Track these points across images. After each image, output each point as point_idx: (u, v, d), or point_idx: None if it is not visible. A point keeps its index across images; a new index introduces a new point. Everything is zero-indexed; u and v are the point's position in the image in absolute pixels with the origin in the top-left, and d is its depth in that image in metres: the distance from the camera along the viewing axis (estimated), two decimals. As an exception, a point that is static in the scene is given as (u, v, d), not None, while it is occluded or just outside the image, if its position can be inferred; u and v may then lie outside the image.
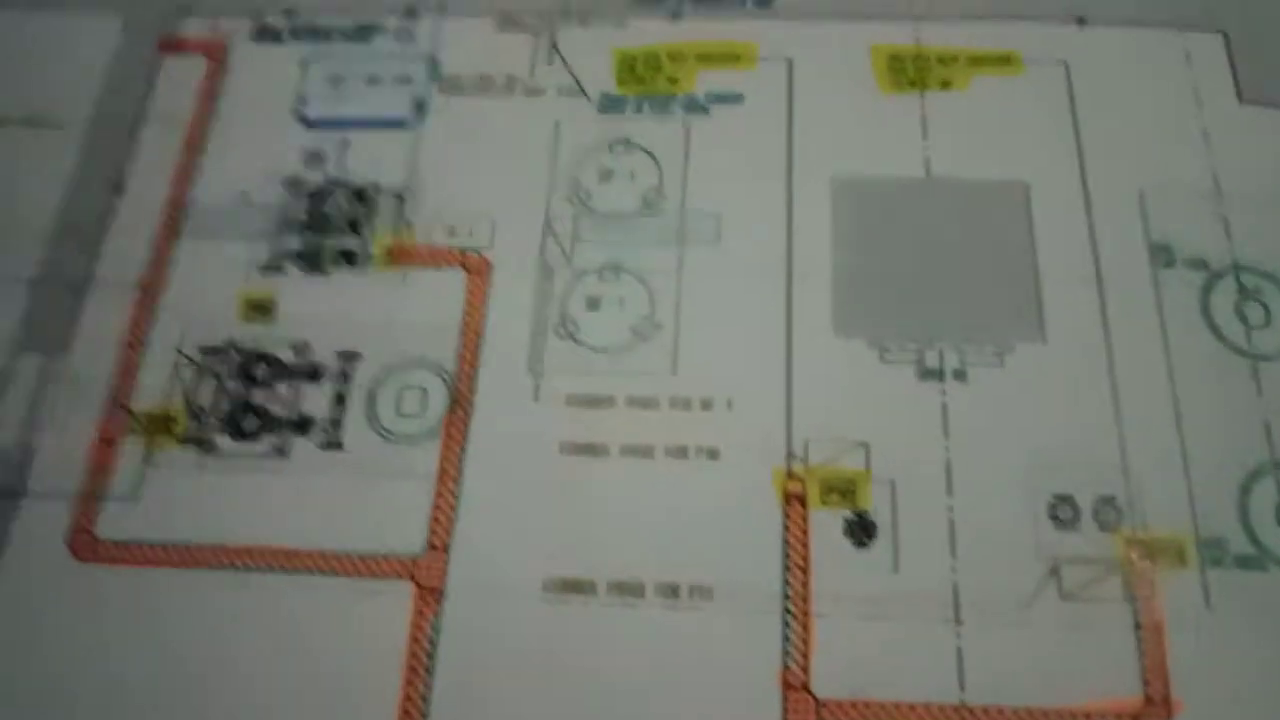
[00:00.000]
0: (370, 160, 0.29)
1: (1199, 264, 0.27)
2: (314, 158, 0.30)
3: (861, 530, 0.24)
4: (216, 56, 0.31)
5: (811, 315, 0.26)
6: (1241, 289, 0.26)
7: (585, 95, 0.30)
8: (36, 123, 0.31)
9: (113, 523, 0.26)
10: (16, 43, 0.32)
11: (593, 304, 0.27)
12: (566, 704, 0.23)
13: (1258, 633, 0.23)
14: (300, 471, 0.26)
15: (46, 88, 0.31)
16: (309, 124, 0.30)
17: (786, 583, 0.24)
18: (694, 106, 0.29)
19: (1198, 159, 0.28)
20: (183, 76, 0.31)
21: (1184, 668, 0.23)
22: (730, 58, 0.30)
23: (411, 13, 0.31)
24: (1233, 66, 0.29)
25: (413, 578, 0.24)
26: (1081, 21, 0.30)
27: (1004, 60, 0.29)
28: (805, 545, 0.24)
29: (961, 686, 0.23)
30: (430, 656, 0.23)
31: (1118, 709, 0.22)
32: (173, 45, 0.32)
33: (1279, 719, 0.22)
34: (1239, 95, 0.29)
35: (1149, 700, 0.22)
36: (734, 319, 0.26)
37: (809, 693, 0.23)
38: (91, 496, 0.26)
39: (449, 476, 0.25)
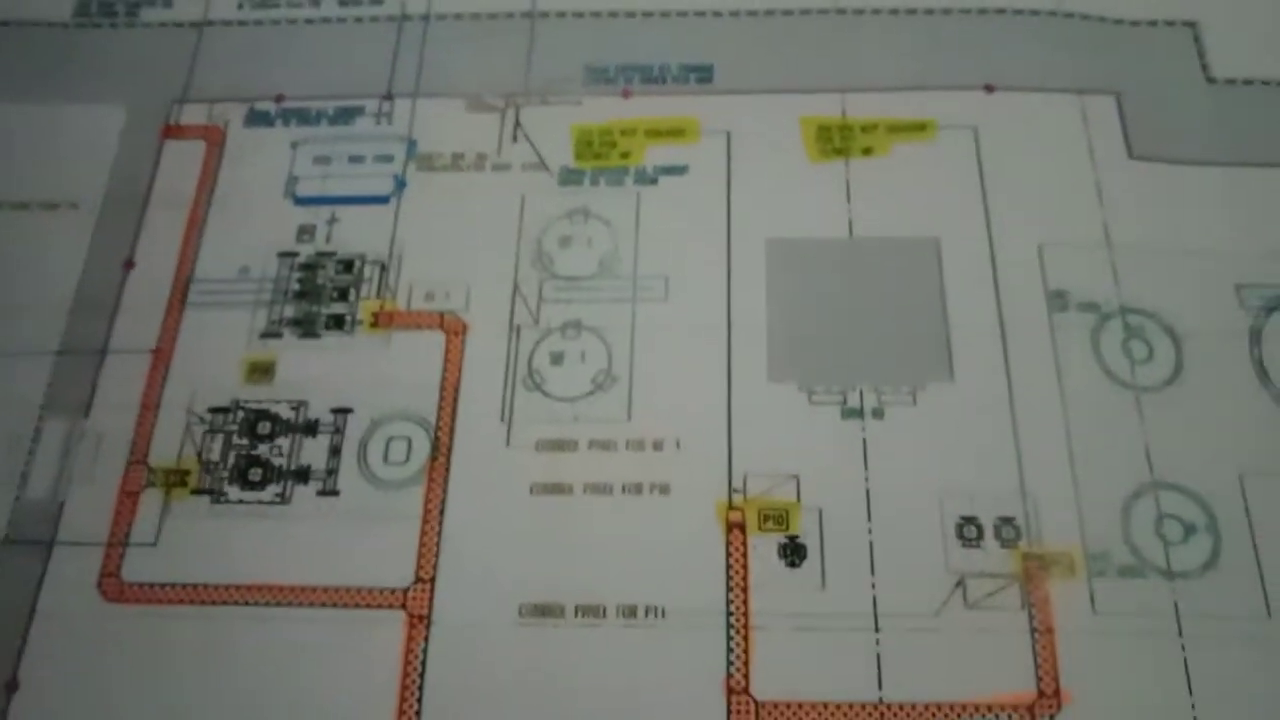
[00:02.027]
0: (356, 233, 0.31)
1: (1090, 307, 0.29)
2: (305, 232, 0.32)
3: (793, 552, 0.26)
4: (214, 140, 0.33)
5: (749, 364, 0.29)
6: (1128, 328, 0.29)
7: (547, 169, 0.32)
8: (54, 205, 0.33)
9: (136, 567, 0.27)
10: (32, 132, 0.34)
11: (557, 359, 0.29)
12: (540, 712, 0.25)
13: (1137, 632, 0.25)
14: (301, 516, 0.28)
15: (62, 173, 0.33)
16: (299, 201, 0.32)
17: (729, 600, 0.26)
18: (643, 178, 0.32)
19: (1091, 211, 0.30)
20: (184, 159, 0.33)
21: (1072, 665, 0.25)
22: (675, 132, 0.32)
23: (389, 97, 0.34)
24: (1124, 125, 0.32)
25: (404, 607, 0.26)
26: (989, 89, 0.32)
27: (920, 127, 0.32)
28: (745, 567, 0.26)
29: (880, 686, 0.25)
30: (421, 675, 0.26)
31: (1014, 701, 0.25)
32: (174, 131, 0.33)
33: (1154, 706, 0.25)
34: (1129, 151, 0.32)
35: (1041, 693, 0.25)
36: (681, 369, 0.29)
37: (750, 695, 0.25)
38: (117, 544, 0.28)
39: (433, 516, 0.27)
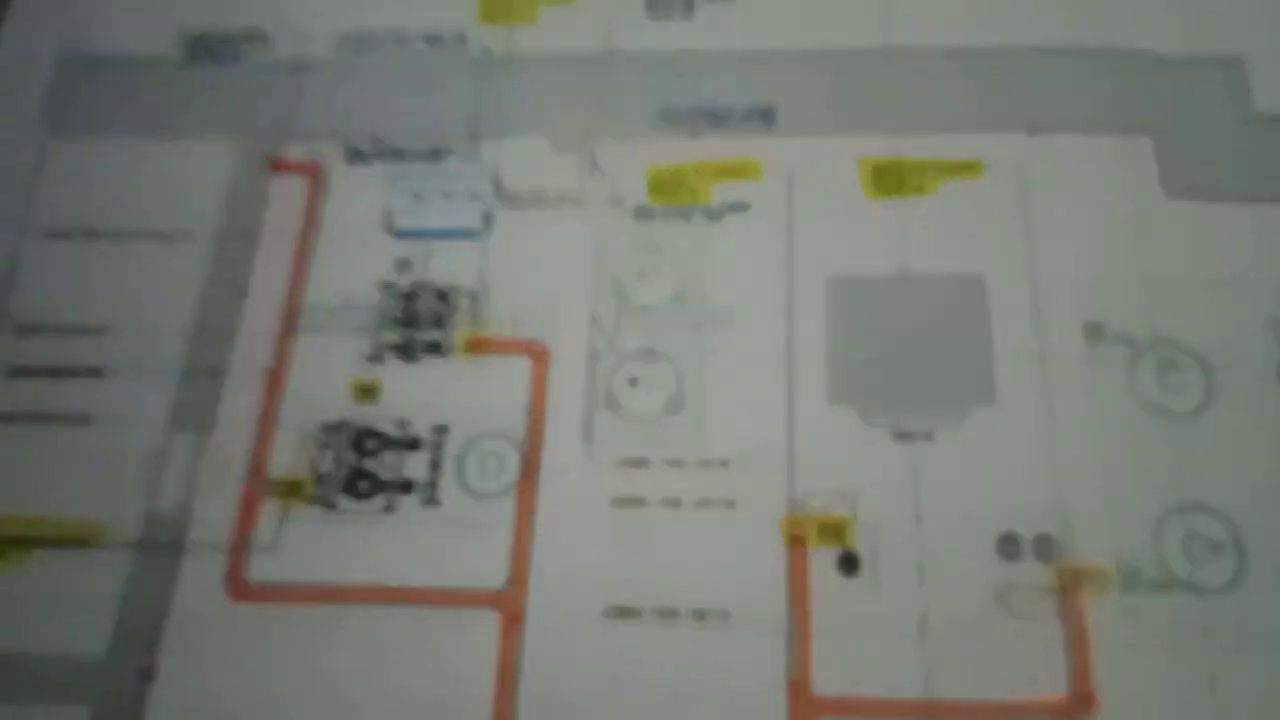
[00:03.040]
0: (449, 265, 0.34)
1: (1126, 339, 0.31)
2: (403, 264, 0.34)
3: (849, 564, 0.29)
4: (316, 176, 0.36)
5: (810, 389, 0.31)
6: (1161, 360, 0.31)
7: (622, 206, 0.34)
8: (169, 237, 0.35)
9: (258, 569, 0.30)
10: (146, 166, 0.36)
11: (633, 383, 0.32)
12: (620, 704, 0.28)
13: (1163, 642, 0.27)
14: (406, 524, 0.30)
15: (175, 205, 0.35)
16: (397, 235, 0.35)
17: (790, 605, 0.29)
18: (710, 215, 0.34)
19: (1127, 249, 0.32)
20: (288, 194, 0.35)
21: (1103, 672, 0.27)
22: (739, 171, 0.34)
23: (476, 136, 0.36)
24: (1160, 164, 0.34)
25: (498, 606, 0.29)
26: (1033, 130, 0.35)
27: (967, 167, 0.34)
28: (804, 576, 0.29)
29: (927, 685, 0.27)
30: (516, 667, 0.28)
31: (1048, 704, 0.27)
32: (279, 166, 0.36)
33: (1182, 711, 0.27)
34: (1165, 190, 0.33)
35: (1073, 696, 0.27)
36: (746, 394, 0.31)
37: (810, 691, 0.28)
38: (240, 548, 0.30)
39: (524, 525, 0.30)
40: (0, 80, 0.39)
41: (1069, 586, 0.28)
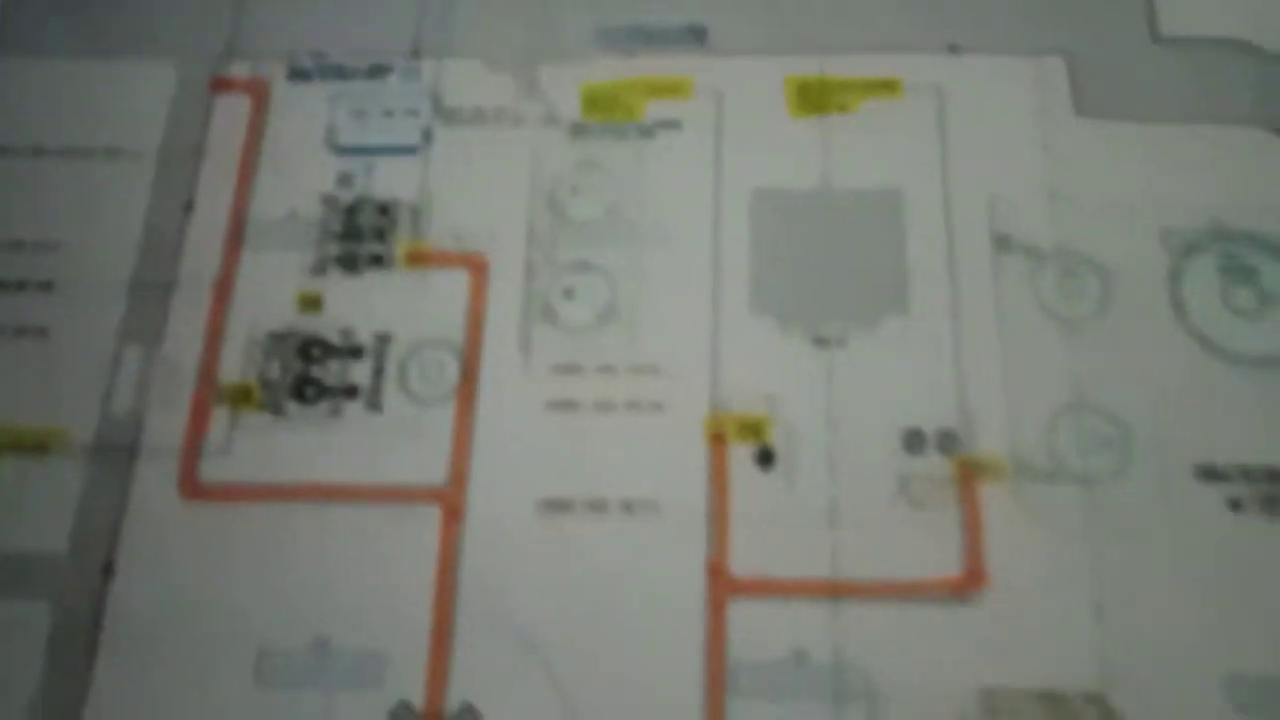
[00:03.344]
0: (390, 180, 0.35)
1: (1031, 250, 0.33)
2: (345, 179, 0.35)
3: (765, 459, 0.31)
4: (259, 94, 0.36)
5: (733, 299, 0.33)
6: (1063, 269, 0.33)
7: (559, 124, 0.36)
8: (115, 154, 0.36)
9: (210, 470, 0.31)
10: (90, 85, 0.37)
11: (568, 294, 0.33)
12: (553, 588, 0.30)
13: (1052, 526, 0.30)
14: (351, 428, 0.32)
15: (120, 124, 0.36)
16: (339, 151, 0.36)
17: (711, 497, 0.31)
18: (644, 132, 0.35)
19: (1037, 164, 0.34)
20: (232, 111, 0.36)
21: (995, 553, 0.30)
22: (672, 89, 0.36)
23: (417, 54, 0.37)
24: (1072, 85, 0.35)
25: (440, 502, 0.31)
26: (954, 49, 0.36)
27: (888, 86, 0.35)
28: (724, 471, 0.31)
29: (834, 567, 0.30)
30: (456, 558, 0.30)
31: (944, 582, 0.30)
32: (222, 85, 0.37)
33: (1066, 587, 0.29)
34: (1075, 109, 0.35)
35: (967, 575, 0.30)
36: (674, 304, 0.33)
37: (727, 574, 0.30)
38: (193, 451, 0.32)
39: (464, 428, 0.32)
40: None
41: (967, 477, 0.31)
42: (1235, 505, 0.31)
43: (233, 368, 0.33)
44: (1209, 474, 0.31)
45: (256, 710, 0.30)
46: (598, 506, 0.31)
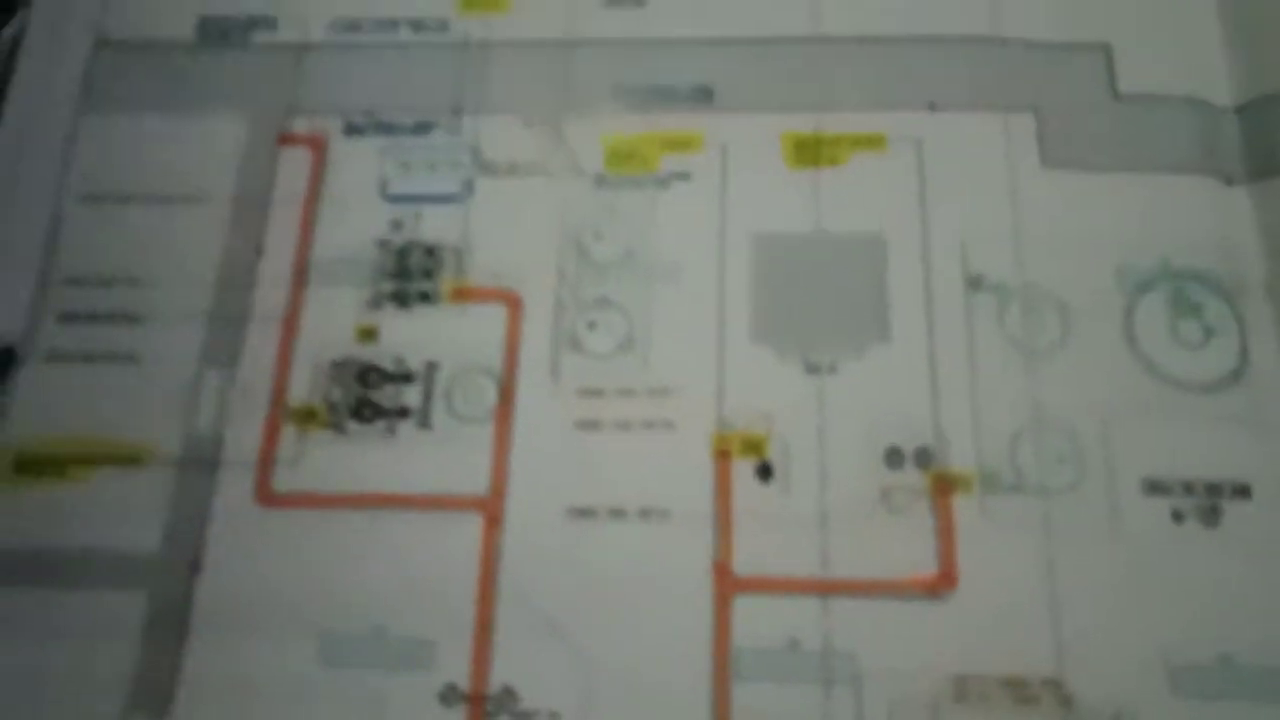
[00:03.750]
0: (435, 226, 0.38)
1: (999, 288, 0.36)
2: (396, 225, 0.39)
3: (764, 472, 0.34)
4: (319, 148, 0.40)
5: (736, 330, 0.36)
6: (1027, 305, 0.36)
7: (584, 175, 0.39)
8: (192, 200, 0.39)
9: (282, 481, 0.34)
10: (170, 139, 0.40)
11: (591, 326, 0.36)
12: (580, 585, 0.33)
13: (1016, 534, 0.33)
14: (404, 444, 0.35)
15: (197, 173, 0.39)
16: (390, 199, 0.39)
17: (716, 505, 0.34)
18: (659, 183, 0.39)
19: (1006, 212, 0.37)
20: (295, 163, 0.40)
21: (965, 557, 0.33)
22: (684, 144, 0.39)
23: (458, 112, 0.41)
24: (1040, 138, 0.39)
25: (482, 510, 0.34)
26: (933, 107, 0.39)
27: (874, 141, 0.39)
28: (728, 482, 0.34)
29: (824, 567, 0.33)
30: (496, 558, 0.33)
31: (920, 580, 0.33)
32: (286, 139, 0.40)
33: (1027, 588, 0.32)
34: (1042, 160, 0.38)
35: (940, 576, 0.33)
36: (684, 335, 0.36)
37: (730, 573, 0.33)
38: (267, 464, 0.35)
39: (502, 445, 0.35)
40: (35, 61, 0.43)
41: (940, 489, 0.34)
42: (1177, 516, 0.34)
43: (300, 391, 0.36)
44: (1155, 488, 0.34)
45: (323, 688, 0.33)
46: (618, 514, 0.34)
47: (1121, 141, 0.39)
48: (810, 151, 0.39)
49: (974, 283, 0.37)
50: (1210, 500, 0.33)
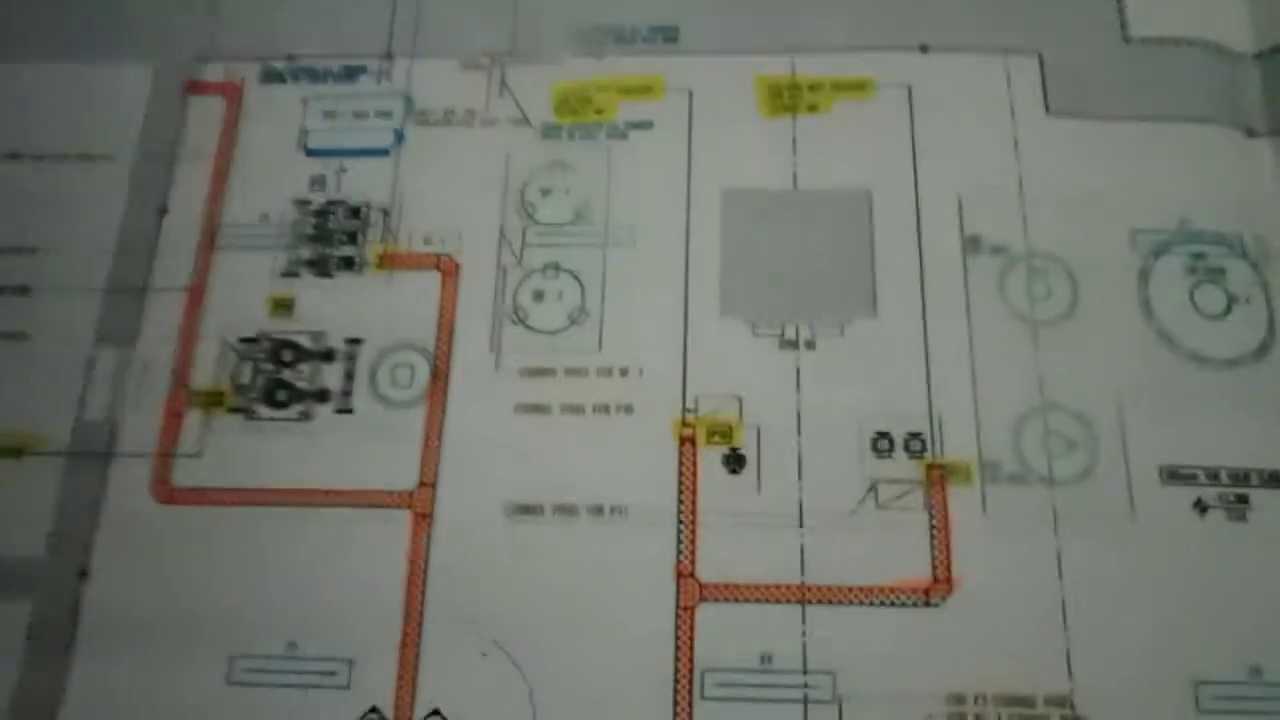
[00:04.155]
0: (361, 183, 0.35)
1: (1000, 251, 0.33)
2: (317, 182, 0.35)
3: (735, 462, 0.31)
4: (233, 97, 0.37)
5: (703, 301, 0.33)
6: (1032, 270, 0.33)
7: (530, 125, 0.36)
8: (90, 157, 0.36)
9: (184, 474, 0.32)
10: (66, 89, 0.37)
11: (538, 296, 0.33)
12: (523, 594, 0.30)
13: (1019, 531, 0.30)
14: (322, 431, 0.32)
15: (95, 127, 0.36)
16: (311, 153, 0.36)
17: (680, 501, 0.31)
18: (615, 133, 0.35)
19: (1007, 165, 0.34)
20: (206, 114, 0.36)
21: (963, 556, 0.30)
22: (644, 90, 0.36)
23: (389, 56, 0.37)
24: (1044, 84, 0.35)
25: (410, 506, 0.31)
26: (925, 49, 0.36)
27: (860, 86, 0.35)
28: (694, 474, 0.31)
29: (803, 571, 0.30)
30: (425, 562, 0.30)
31: (913, 586, 0.30)
32: (196, 88, 0.37)
33: (1032, 591, 0.29)
34: (1046, 108, 0.35)
35: (935, 579, 0.30)
36: (644, 306, 0.33)
37: (695, 579, 0.30)
38: (166, 455, 0.32)
39: (433, 431, 0.32)
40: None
41: (935, 481, 0.31)
42: (1201, 507, 0.31)
43: (205, 372, 0.34)
44: (1175, 476, 0.31)
45: (228, 710, 0.30)
46: (567, 510, 0.31)
47: (1133, 88, 0.36)
48: (787, 97, 0.36)
49: (971, 245, 0.33)
50: (1237, 490, 0.31)
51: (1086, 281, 0.33)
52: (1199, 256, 0.33)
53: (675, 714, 0.29)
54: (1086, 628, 0.29)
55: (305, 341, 0.34)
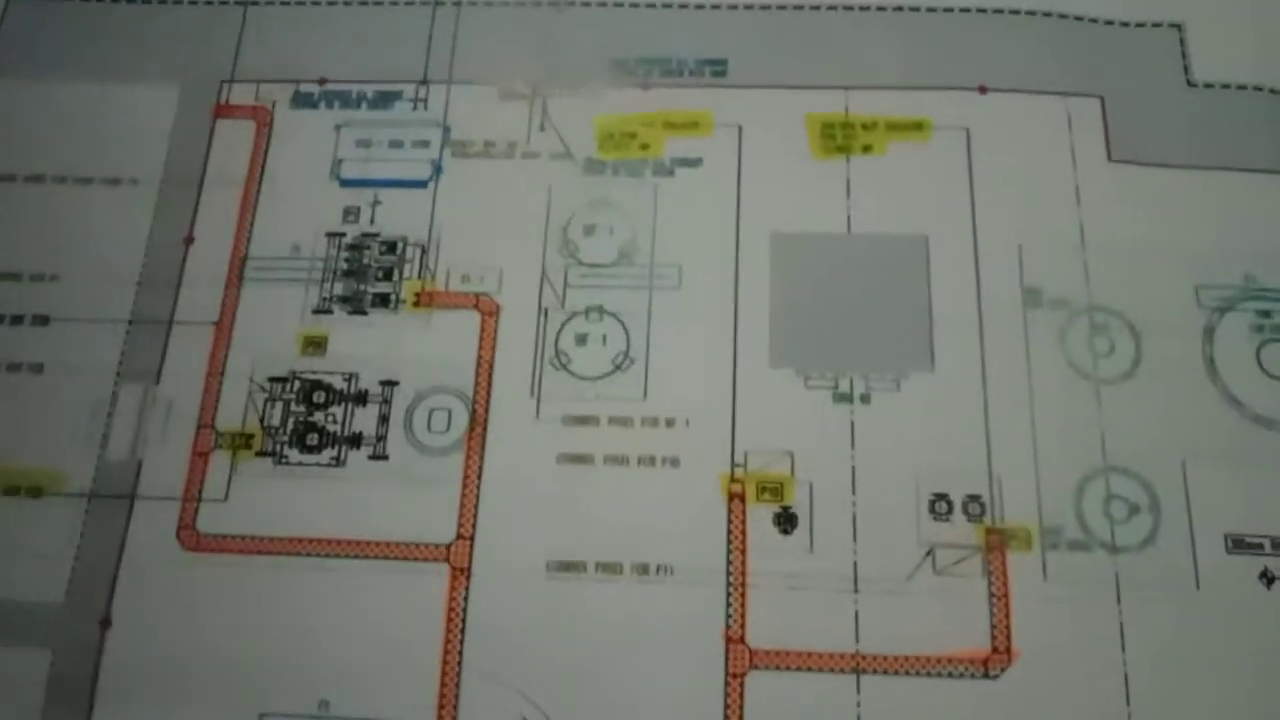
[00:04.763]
0: (397, 216, 0.34)
1: (1061, 304, 0.32)
2: (350, 213, 0.34)
3: (786, 521, 0.30)
4: (263, 121, 0.35)
5: (752, 350, 0.32)
6: (1093, 325, 0.32)
7: (572, 159, 0.34)
8: (115, 181, 0.35)
9: (209, 520, 0.31)
10: (90, 109, 0.36)
11: (581, 340, 0.32)
12: (564, 656, 0.29)
13: (1081, 600, 0.29)
14: (355, 477, 0.31)
15: (121, 149, 0.35)
16: (344, 184, 0.34)
17: (729, 561, 0.30)
18: (661, 170, 0.34)
19: (1068, 212, 0.33)
20: (235, 138, 0.35)
21: (1023, 626, 0.29)
22: (691, 124, 0.35)
23: (425, 82, 0.36)
24: (1106, 128, 0.34)
25: (447, 560, 0.30)
26: (984, 89, 0.35)
27: (916, 126, 0.34)
28: (744, 533, 0.30)
29: (857, 639, 0.29)
30: (463, 619, 0.29)
31: (971, 656, 0.29)
32: (225, 110, 0.35)
33: (1092, 664, 0.28)
34: (1108, 154, 0.34)
35: (994, 650, 0.29)
36: (691, 353, 0.32)
37: (745, 644, 0.29)
38: (191, 499, 0.31)
39: (471, 480, 0.31)
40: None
41: (994, 545, 0.30)
42: (1268, 579, 0.30)
43: (233, 412, 0.32)
44: (1240, 544, 0.30)
45: None
46: (609, 569, 0.30)
47: (1196, 135, 0.34)
48: (840, 137, 0.34)
49: (1032, 297, 0.32)
50: (1304, 560, 0.29)
51: (1149, 337, 0.32)
52: (1265, 314, 0.32)
53: (723, 787, 0.28)
54: (1150, 702, 0.28)
55: (338, 383, 0.32)
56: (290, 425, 0.32)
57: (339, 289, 0.34)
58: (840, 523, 0.30)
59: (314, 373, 0.33)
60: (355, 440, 0.32)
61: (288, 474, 0.31)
